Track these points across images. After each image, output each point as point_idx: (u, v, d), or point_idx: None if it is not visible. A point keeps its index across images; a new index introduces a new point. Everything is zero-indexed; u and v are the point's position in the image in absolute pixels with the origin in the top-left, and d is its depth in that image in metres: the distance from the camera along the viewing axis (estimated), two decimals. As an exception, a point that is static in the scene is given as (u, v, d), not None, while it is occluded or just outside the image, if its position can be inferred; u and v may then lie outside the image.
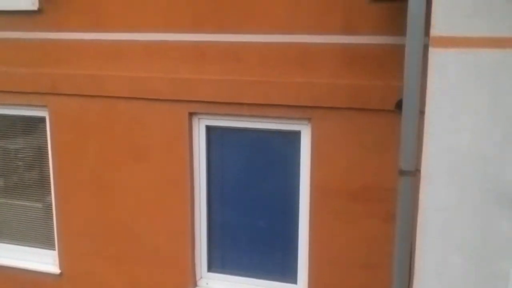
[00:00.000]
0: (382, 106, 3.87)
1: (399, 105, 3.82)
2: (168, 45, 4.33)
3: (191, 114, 4.41)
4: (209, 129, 4.47)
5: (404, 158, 2.92)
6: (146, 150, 4.55)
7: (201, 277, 4.71)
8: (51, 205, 5.04)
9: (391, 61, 3.82)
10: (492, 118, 2.48)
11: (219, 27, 4.17)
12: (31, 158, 5.13)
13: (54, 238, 5.10)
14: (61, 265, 5.05)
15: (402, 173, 2.93)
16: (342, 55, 3.94)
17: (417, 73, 2.83)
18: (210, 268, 4.71)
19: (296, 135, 4.26)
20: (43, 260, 5.17)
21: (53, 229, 5.09)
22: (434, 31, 2.57)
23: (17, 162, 5.20)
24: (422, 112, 2.87)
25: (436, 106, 2.58)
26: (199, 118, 4.44)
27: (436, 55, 2.59)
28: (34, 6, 4.60)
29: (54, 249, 5.11)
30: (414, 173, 2.91)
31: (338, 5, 3.86)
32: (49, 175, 4.98)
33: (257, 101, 4.17)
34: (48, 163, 4.96)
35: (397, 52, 3.76)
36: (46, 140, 4.95)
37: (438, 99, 2.58)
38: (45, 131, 4.95)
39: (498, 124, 2.47)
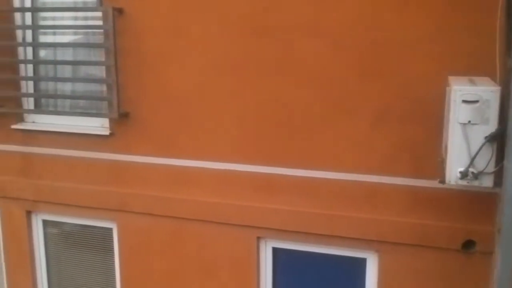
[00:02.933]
0: (448, 246, 4.05)
1: (466, 245, 4.05)
2: (237, 175, 4.53)
3: (258, 238, 4.61)
4: (275, 250, 4.67)
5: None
6: (214, 269, 4.75)
7: None
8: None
9: (457, 204, 4.01)
10: None
11: (288, 162, 4.37)
12: (98, 266, 5.35)
13: None
14: None
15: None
16: (409, 196, 4.13)
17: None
18: None
19: (362, 262, 4.45)
20: None
21: None
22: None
23: (85, 269, 5.41)
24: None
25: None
26: (266, 241, 4.64)
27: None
28: (106, 131, 4.83)
29: None
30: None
31: (407, 152, 4.05)
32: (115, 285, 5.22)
33: (324, 232, 4.36)
34: (115, 274, 5.19)
35: (463, 197, 3.98)
36: (113, 251, 5.18)
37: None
38: (112, 241, 5.18)
39: None
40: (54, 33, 5.17)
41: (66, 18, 5.08)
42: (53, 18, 5.13)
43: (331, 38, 4.11)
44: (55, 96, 5.14)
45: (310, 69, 4.20)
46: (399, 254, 4.21)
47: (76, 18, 5.04)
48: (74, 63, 5.04)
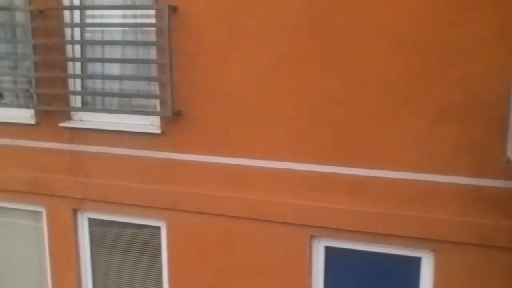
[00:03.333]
0: (509, 245, 4.06)
1: (526, 244, 4.04)
2: (292, 173, 4.53)
3: (312, 237, 4.62)
4: (328, 249, 4.67)
5: None
6: (266, 268, 4.75)
7: None
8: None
9: (518, 204, 4.03)
10: None
11: (345, 161, 4.38)
12: (144, 265, 5.35)
13: None
14: None
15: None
16: (469, 195, 4.14)
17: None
18: None
19: (417, 261, 4.45)
20: None
21: None
22: None
23: (131, 268, 5.42)
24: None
25: None
26: (319, 240, 4.65)
27: None
28: (158, 130, 4.83)
29: None
30: None
31: (467, 151, 4.06)
32: (161, 283, 5.23)
33: (380, 231, 4.37)
34: (162, 272, 5.20)
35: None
36: (161, 249, 5.18)
37: None
38: (160, 240, 5.18)
39: None
40: (102, 31, 5.17)
41: (114, 16, 5.08)
42: (101, 16, 5.12)
43: (393, 36, 4.11)
44: (104, 94, 5.14)
45: (370, 67, 4.20)
46: (456, 253, 4.22)
47: (124, 16, 5.04)
48: (127, 61, 5.01)
